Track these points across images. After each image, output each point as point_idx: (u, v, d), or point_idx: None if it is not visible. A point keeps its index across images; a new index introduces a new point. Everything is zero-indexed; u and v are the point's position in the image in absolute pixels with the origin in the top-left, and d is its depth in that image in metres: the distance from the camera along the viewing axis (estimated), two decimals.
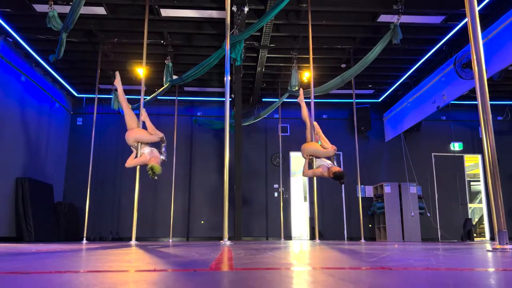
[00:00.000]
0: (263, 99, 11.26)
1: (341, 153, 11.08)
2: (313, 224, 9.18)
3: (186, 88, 10.71)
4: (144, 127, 6.10)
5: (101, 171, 10.53)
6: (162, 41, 8.31)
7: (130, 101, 9.66)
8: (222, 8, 7.09)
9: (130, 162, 5.88)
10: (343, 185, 10.85)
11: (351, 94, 9.63)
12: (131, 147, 5.97)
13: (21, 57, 8.53)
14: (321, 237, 9.82)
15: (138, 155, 5.89)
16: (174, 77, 8.44)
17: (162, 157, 5.98)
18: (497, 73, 7.14)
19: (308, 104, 6.79)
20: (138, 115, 6.29)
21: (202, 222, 10.66)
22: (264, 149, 11.17)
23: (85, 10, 6.82)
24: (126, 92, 10.42)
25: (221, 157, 10.57)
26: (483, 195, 11.09)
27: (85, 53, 8.91)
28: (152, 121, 6.11)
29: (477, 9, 3.24)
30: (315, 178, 6.70)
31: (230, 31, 6.22)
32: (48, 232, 8.76)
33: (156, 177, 5.76)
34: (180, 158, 10.70)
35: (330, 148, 6.06)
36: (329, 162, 6.12)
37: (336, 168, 6.00)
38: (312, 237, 10.04)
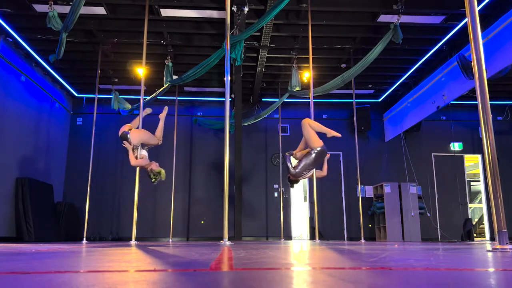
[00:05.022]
0: (263, 99, 11.27)
1: (341, 153, 11.08)
2: (313, 224, 9.18)
3: (186, 88, 10.71)
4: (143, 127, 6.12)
5: (101, 171, 10.54)
6: (162, 41, 8.31)
7: (130, 101, 9.77)
8: (222, 8, 7.09)
9: (135, 162, 5.87)
10: (343, 185, 10.92)
11: (351, 94, 9.63)
12: (125, 145, 5.90)
13: (21, 57, 8.53)
14: (321, 237, 9.82)
15: (139, 156, 5.90)
16: (174, 77, 8.44)
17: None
18: (497, 74, 7.12)
19: (308, 104, 6.81)
20: (138, 115, 6.36)
21: (202, 222, 10.66)
22: (264, 149, 11.17)
23: (85, 10, 6.82)
24: (126, 92, 10.52)
25: (221, 157, 10.56)
26: (483, 195, 11.09)
27: (85, 53, 8.91)
28: (152, 121, 6.12)
29: (477, 9, 3.24)
30: (314, 178, 6.69)
31: (230, 31, 6.22)
32: (48, 232, 8.76)
33: (156, 182, 5.85)
34: (180, 158, 10.70)
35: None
36: None
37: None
38: (312, 237, 10.04)
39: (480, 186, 11.45)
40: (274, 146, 10.96)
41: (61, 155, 10.53)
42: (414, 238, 9.81)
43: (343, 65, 9.24)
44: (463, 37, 8.04)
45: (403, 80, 10.26)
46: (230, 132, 5.76)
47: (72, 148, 10.82)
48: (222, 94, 10.89)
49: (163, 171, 5.86)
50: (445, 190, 11.00)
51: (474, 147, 11.27)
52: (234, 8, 6.66)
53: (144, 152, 5.95)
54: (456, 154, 11.22)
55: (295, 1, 7.12)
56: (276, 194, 10.85)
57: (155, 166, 5.90)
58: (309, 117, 6.72)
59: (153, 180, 5.92)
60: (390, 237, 9.83)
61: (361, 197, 9.71)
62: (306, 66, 9.05)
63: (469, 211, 11.07)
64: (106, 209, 10.50)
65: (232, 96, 9.21)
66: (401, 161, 11.04)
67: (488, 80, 3.29)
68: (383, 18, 7.56)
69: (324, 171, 5.98)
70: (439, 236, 10.69)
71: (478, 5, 6.69)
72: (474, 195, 12.25)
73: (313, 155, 5.33)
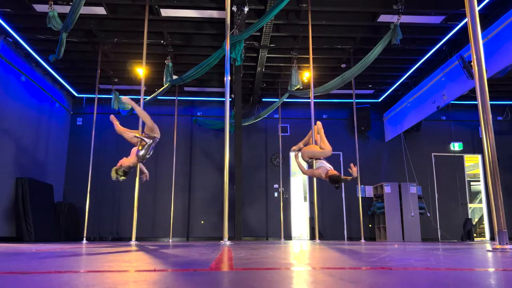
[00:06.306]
0: (263, 99, 11.26)
1: (341, 153, 11.08)
2: (313, 224, 9.18)
3: (186, 88, 10.71)
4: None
5: (101, 171, 10.51)
6: (162, 41, 8.31)
7: None
8: (222, 8, 7.09)
9: None
10: (343, 186, 10.90)
11: (351, 94, 9.63)
12: None
13: (21, 57, 8.53)
14: (321, 237, 9.82)
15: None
16: (174, 77, 8.44)
17: (140, 153, 5.66)
18: (496, 74, 7.09)
19: (308, 104, 6.82)
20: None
21: (202, 222, 10.66)
22: (264, 149, 11.17)
23: (85, 10, 6.82)
24: (126, 92, 10.51)
25: (221, 157, 10.56)
26: (483, 195, 11.09)
27: (85, 53, 8.91)
28: (152, 121, 6.06)
29: (477, 9, 3.24)
30: (315, 178, 6.71)
31: (230, 31, 6.22)
32: (48, 232, 8.76)
33: (120, 179, 5.58)
34: (180, 158, 10.71)
35: (327, 148, 6.07)
36: (329, 165, 6.12)
37: (334, 172, 5.98)
38: (312, 237, 10.04)
39: (480, 186, 11.45)
40: (274, 146, 10.96)
41: (61, 155, 10.53)
42: (414, 238, 9.80)
43: (343, 65, 9.24)
44: (463, 37, 8.04)
45: (403, 80, 10.26)
46: (230, 132, 5.76)
47: (72, 148, 10.81)
48: (222, 94, 10.89)
49: (111, 172, 5.64)
50: (445, 190, 11.00)
51: (474, 147, 11.27)
52: (234, 8, 6.67)
53: (139, 153, 5.82)
54: (456, 154, 11.22)
55: (295, 1, 7.12)
56: (276, 194, 10.85)
57: (121, 162, 5.68)
58: (310, 117, 6.76)
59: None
60: (390, 237, 9.83)
61: (361, 197, 9.71)
62: (306, 66, 9.05)
63: (469, 211, 11.07)
64: (106, 209, 10.50)
65: (232, 96, 9.21)
66: (401, 161, 11.04)
67: (488, 80, 3.29)
68: (383, 18, 7.56)
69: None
70: (439, 236, 10.69)
71: (478, 5, 6.69)
72: (474, 195, 12.25)
73: None
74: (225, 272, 1.46)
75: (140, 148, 5.66)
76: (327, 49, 8.73)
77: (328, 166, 6.08)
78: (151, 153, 5.80)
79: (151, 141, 5.71)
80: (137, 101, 6.32)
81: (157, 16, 7.48)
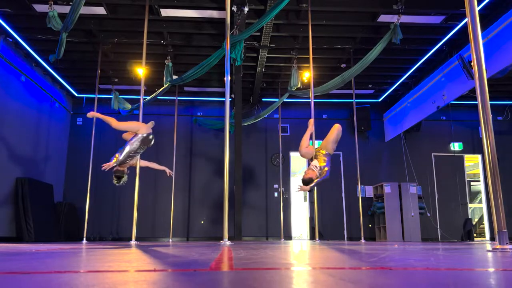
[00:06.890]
0: (263, 99, 11.27)
1: (341, 153, 11.07)
2: (313, 224, 9.18)
3: (186, 88, 10.71)
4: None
5: (101, 171, 10.49)
6: (162, 41, 8.31)
7: (130, 101, 9.76)
8: (222, 8, 7.09)
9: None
10: (343, 185, 10.91)
11: (351, 94, 9.63)
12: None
13: (21, 57, 8.53)
14: (321, 237, 9.82)
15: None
16: (174, 77, 8.44)
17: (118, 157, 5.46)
18: (495, 74, 7.08)
19: (308, 104, 6.75)
20: (138, 115, 6.36)
21: (202, 222, 10.66)
22: (264, 149, 11.17)
23: (85, 10, 6.82)
24: (126, 92, 10.51)
25: (221, 157, 10.56)
26: (483, 195, 11.09)
27: (85, 53, 8.91)
28: (128, 122, 6.00)
29: (477, 9, 3.24)
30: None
31: (230, 31, 6.22)
32: (48, 232, 8.76)
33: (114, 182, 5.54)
34: (180, 158, 10.71)
35: (300, 147, 5.72)
36: (315, 165, 5.56)
37: (308, 175, 5.52)
38: (312, 237, 10.04)
39: (480, 186, 11.45)
40: (274, 146, 10.96)
41: (61, 155, 10.53)
42: (414, 238, 9.80)
43: (343, 65, 9.24)
44: (463, 37, 8.04)
45: (403, 80, 10.26)
46: (230, 132, 5.75)
47: (72, 148, 10.81)
48: (222, 94, 10.89)
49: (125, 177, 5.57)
50: (445, 190, 11.00)
51: (474, 147, 11.27)
52: (234, 8, 6.67)
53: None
54: (456, 154, 11.22)
55: (295, 1, 7.12)
56: (276, 194, 10.85)
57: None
58: (310, 117, 6.61)
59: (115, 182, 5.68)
60: (390, 237, 9.83)
61: (361, 197, 9.70)
62: (306, 66, 9.06)
63: (469, 211, 11.07)
64: (106, 209, 10.50)
65: (232, 96, 9.21)
66: (401, 161, 11.04)
67: (488, 80, 3.28)
68: (383, 18, 7.56)
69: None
70: (439, 236, 10.69)
71: (478, 5, 6.69)
72: (474, 195, 12.25)
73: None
74: (225, 272, 1.46)
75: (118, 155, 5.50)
76: (327, 49, 8.73)
77: (312, 166, 5.58)
78: (139, 153, 5.63)
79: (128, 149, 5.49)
80: (137, 101, 6.32)
81: (157, 16, 7.48)
